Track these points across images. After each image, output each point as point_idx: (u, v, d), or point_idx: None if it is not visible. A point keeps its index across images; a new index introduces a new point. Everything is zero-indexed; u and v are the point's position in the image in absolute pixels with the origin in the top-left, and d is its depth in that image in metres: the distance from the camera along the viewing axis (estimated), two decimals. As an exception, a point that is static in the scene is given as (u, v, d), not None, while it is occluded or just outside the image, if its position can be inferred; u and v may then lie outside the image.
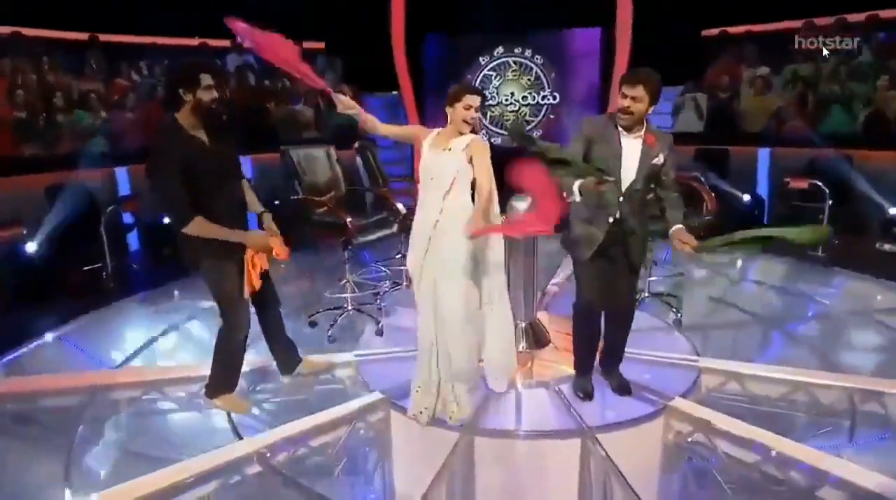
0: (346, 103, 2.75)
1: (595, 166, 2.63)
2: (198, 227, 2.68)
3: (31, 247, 5.10)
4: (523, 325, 3.54)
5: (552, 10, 8.23)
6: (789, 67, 7.12)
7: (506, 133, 8.86)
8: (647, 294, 4.37)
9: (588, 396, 3.03)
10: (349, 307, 4.16)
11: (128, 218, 6.16)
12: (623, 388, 3.07)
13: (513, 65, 8.79)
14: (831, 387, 3.18)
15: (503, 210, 3.20)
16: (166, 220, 5.69)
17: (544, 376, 3.27)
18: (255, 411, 3.21)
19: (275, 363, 3.37)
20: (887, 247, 5.69)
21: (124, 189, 6.52)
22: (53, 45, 7.03)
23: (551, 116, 8.76)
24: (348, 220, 3.88)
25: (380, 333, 3.87)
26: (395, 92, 8.19)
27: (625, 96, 2.63)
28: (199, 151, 2.70)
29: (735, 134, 7.15)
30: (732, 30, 7.88)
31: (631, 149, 2.70)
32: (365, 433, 3.06)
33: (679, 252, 2.72)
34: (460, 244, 2.67)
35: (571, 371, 3.17)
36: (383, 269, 5.25)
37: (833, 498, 2.53)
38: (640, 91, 2.59)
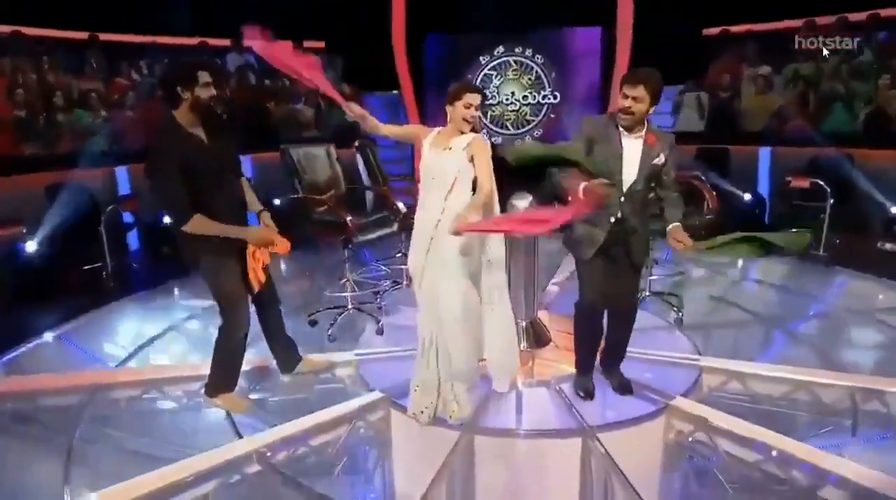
0: (356, 112, 2.75)
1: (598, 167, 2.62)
2: (197, 224, 2.67)
3: (31, 246, 5.10)
4: (524, 324, 3.54)
5: (553, 10, 8.22)
6: (790, 66, 7.11)
7: (507, 132, 8.86)
8: (648, 293, 4.37)
9: (589, 395, 3.02)
10: (349, 306, 4.15)
11: (128, 217, 6.16)
12: (624, 387, 3.06)
13: (513, 64, 8.78)
14: (833, 386, 3.18)
15: (503, 209, 3.20)
16: (166, 219, 5.68)
17: (545, 375, 3.27)
18: (255, 410, 3.19)
19: (275, 362, 3.36)
20: (888, 246, 5.67)
21: (124, 188, 6.51)
22: (53, 44, 7.03)
23: (552, 116, 8.75)
24: (348, 218, 3.88)
25: (380, 332, 3.87)
26: (395, 91, 8.18)
27: (625, 96, 2.62)
28: (198, 149, 2.70)
29: (736, 133, 7.14)
30: (734, 29, 7.87)
31: (632, 149, 2.69)
32: (365, 432, 3.05)
33: (677, 251, 2.72)
34: (462, 244, 2.66)
35: (572, 370, 3.16)
36: (383, 268, 5.25)
37: (835, 497, 2.52)
38: (640, 91, 2.59)
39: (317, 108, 7.89)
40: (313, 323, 4.19)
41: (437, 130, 2.78)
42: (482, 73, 8.85)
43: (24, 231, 5.14)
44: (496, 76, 8.85)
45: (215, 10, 7.97)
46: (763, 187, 6.91)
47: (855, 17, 6.94)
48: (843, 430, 3.05)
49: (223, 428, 3.10)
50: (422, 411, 2.85)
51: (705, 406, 2.97)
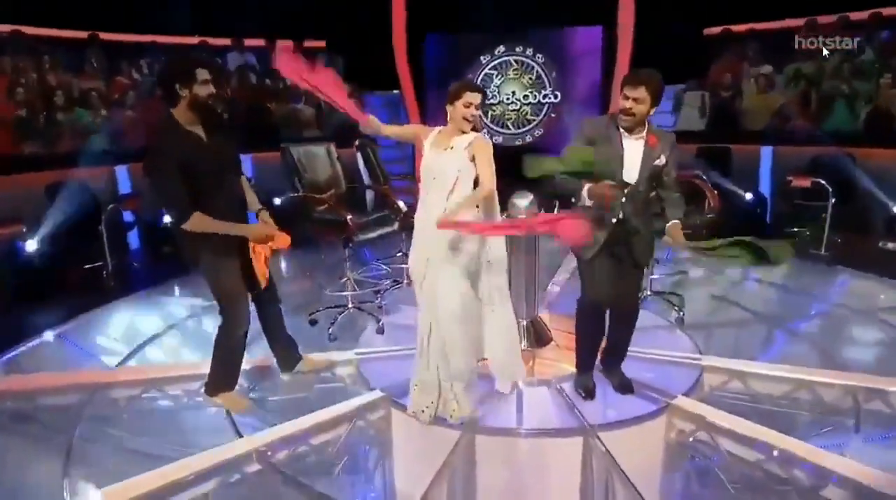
0: (373, 127, 2.75)
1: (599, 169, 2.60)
2: (197, 222, 2.67)
3: (31, 245, 5.10)
4: (525, 323, 3.53)
5: (553, 9, 8.22)
6: (792, 66, 7.10)
7: (507, 132, 8.86)
8: (649, 292, 4.36)
9: (589, 394, 3.01)
10: (350, 305, 4.14)
11: (128, 216, 6.16)
12: (625, 386, 3.05)
13: (514, 63, 8.78)
14: (835, 385, 3.16)
15: (504, 208, 3.19)
16: (167, 218, 5.68)
17: (546, 375, 3.26)
18: (255, 409, 3.19)
19: (275, 361, 3.36)
20: (890, 245, 5.66)
21: (125, 187, 6.51)
22: (54, 43, 7.04)
23: (552, 115, 8.76)
24: (349, 217, 3.87)
25: (380, 331, 3.86)
26: (395, 91, 8.17)
27: (626, 97, 2.61)
28: (197, 147, 2.69)
29: (737, 132, 7.13)
30: (735, 28, 7.86)
31: (633, 150, 2.68)
32: (365, 431, 3.04)
33: (676, 249, 2.71)
34: (462, 245, 2.65)
35: (573, 370, 3.15)
36: (384, 267, 5.24)
37: (837, 497, 2.51)
38: (641, 92, 2.58)
39: (317, 107, 7.89)
40: (313, 322, 4.18)
41: (437, 129, 2.77)
42: (483, 73, 8.85)
43: (25, 230, 5.13)
44: (497, 76, 8.85)
45: (216, 10, 7.98)
46: (764, 187, 6.89)
47: (856, 16, 6.93)
48: (845, 429, 3.03)
49: (223, 427, 3.09)
50: (423, 411, 2.84)
51: (707, 406, 2.96)
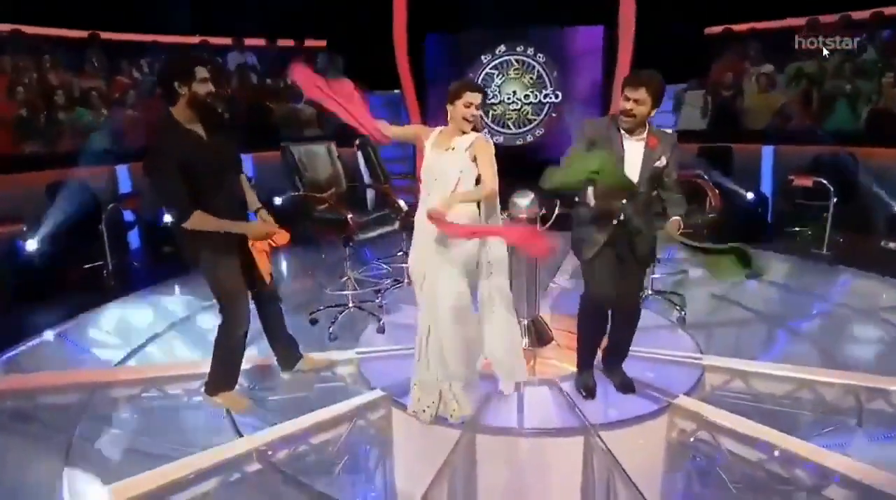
0: (386, 134, 2.72)
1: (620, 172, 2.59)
2: (197, 221, 2.66)
3: (31, 244, 5.09)
4: (526, 322, 3.53)
5: (554, 8, 8.20)
6: (793, 65, 7.08)
7: (508, 132, 8.85)
8: (650, 292, 4.35)
9: (590, 392, 3.00)
10: (350, 305, 4.13)
11: (129, 216, 6.16)
12: (626, 386, 3.04)
13: (515, 63, 8.77)
14: (836, 385, 3.16)
15: (504, 207, 3.19)
16: (167, 218, 5.68)
17: (547, 374, 3.26)
18: (255, 408, 3.18)
19: (275, 360, 3.35)
20: (892, 245, 5.64)
21: (125, 187, 6.50)
22: (54, 42, 7.04)
23: (553, 115, 8.74)
24: (349, 216, 3.86)
25: (381, 330, 3.86)
26: (396, 90, 8.17)
27: (627, 99, 2.60)
28: (196, 146, 2.69)
29: (739, 131, 7.11)
30: (736, 27, 7.85)
31: (633, 151, 2.67)
32: (366, 430, 3.04)
33: (674, 246, 2.70)
34: (463, 245, 2.65)
35: (574, 369, 3.14)
36: (384, 266, 5.23)
37: (839, 497, 2.51)
38: (642, 94, 2.57)
39: (318, 106, 7.88)
40: (314, 321, 4.18)
41: (438, 129, 2.76)
42: (484, 72, 8.84)
43: (25, 229, 5.13)
44: (498, 75, 8.84)
45: (216, 9, 7.97)
46: (766, 186, 6.88)
47: (858, 15, 6.92)
48: (847, 429, 3.03)
49: (223, 427, 3.08)
50: (423, 410, 2.83)
51: (708, 405, 2.95)
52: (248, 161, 6.69)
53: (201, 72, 2.63)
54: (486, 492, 2.80)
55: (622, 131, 2.68)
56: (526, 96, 8.79)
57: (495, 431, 2.80)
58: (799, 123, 6.81)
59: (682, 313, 4.11)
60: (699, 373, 3.25)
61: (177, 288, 5.13)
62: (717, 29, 7.96)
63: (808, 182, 5.92)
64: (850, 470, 2.50)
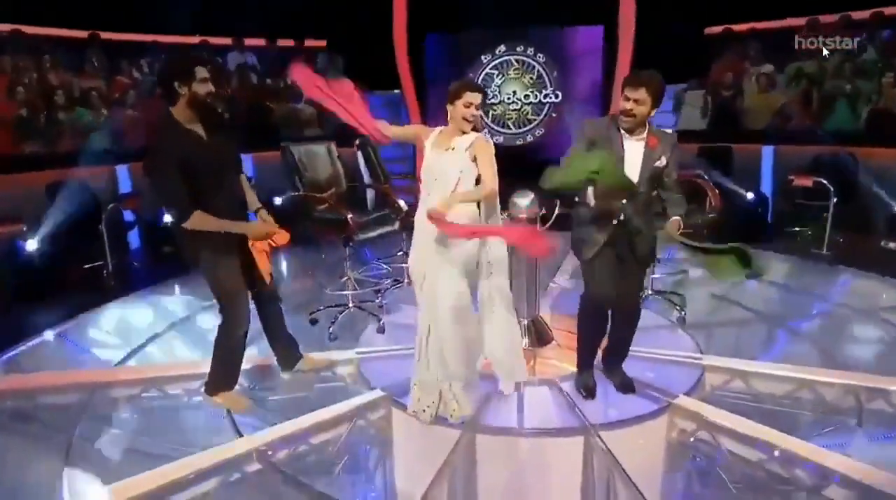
0: (387, 134, 2.72)
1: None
2: (197, 221, 2.66)
3: (31, 244, 5.09)
4: (526, 322, 3.53)
5: (554, 8, 8.20)
6: (794, 65, 7.08)
7: (508, 132, 8.85)
8: (650, 292, 4.35)
9: (590, 392, 3.00)
10: (350, 305, 4.13)
11: (129, 216, 6.15)
12: (626, 386, 3.04)
13: (515, 63, 8.77)
14: (836, 385, 3.16)
15: (504, 207, 3.19)
16: (167, 218, 5.68)
17: (547, 374, 3.26)
18: (255, 408, 3.18)
19: (275, 360, 3.35)
20: (892, 245, 5.64)
21: (125, 187, 6.50)
22: (54, 42, 7.04)
23: (553, 115, 8.74)
24: (349, 216, 3.86)
25: (381, 330, 3.86)
26: (396, 90, 8.16)
27: (627, 99, 2.60)
28: (196, 146, 2.69)
29: (739, 131, 7.11)
30: (736, 27, 7.84)
31: (633, 152, 2.67)
32: (366, 430, 3.04)
33: (673, 245, 2.69)
34: (463, 245, 2.64)
35: (574, 369, 3.14)
36: (384, 266, 5.23)
37: (839, 496, 2.51)
38: (642, 94, 2.57)
39: (319, 106, 7.88)
40: (314, 321, 4.18)
41: (438, 129, 2.76)
42: (484, 72, 8.84)
43: (25, 229, 5.13)
44: (498, 75, 8.84)
45: (216, 9, 7.97)
46: (766, 186, 6.87)
47: (858, 15, 6.91)
48: (847, 429, 3.02)
49: (223, 427, 3.08)
50: (423, 410, 2.83)
51: (708, 405, 2.95)
52: (248, 161, 6.69)
53: (201, 72, 2.63)
54: (487, 492, 2.80)
55: (622, 131, 2.68)
56: (526, 96, 8.79)
57: (495, 431, 2.80)
58: (799, 123, 6.81)
59: (682, 313, 4.11)
60: (699, 373, 3.25)
61: (177, 288, 5.13)
62: (717, 29, 7.96)
63: (808, 182, 5.92)
64: (850, 470, 2.50)
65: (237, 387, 3.16)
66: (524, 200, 3.37)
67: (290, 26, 8.46)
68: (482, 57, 8.82)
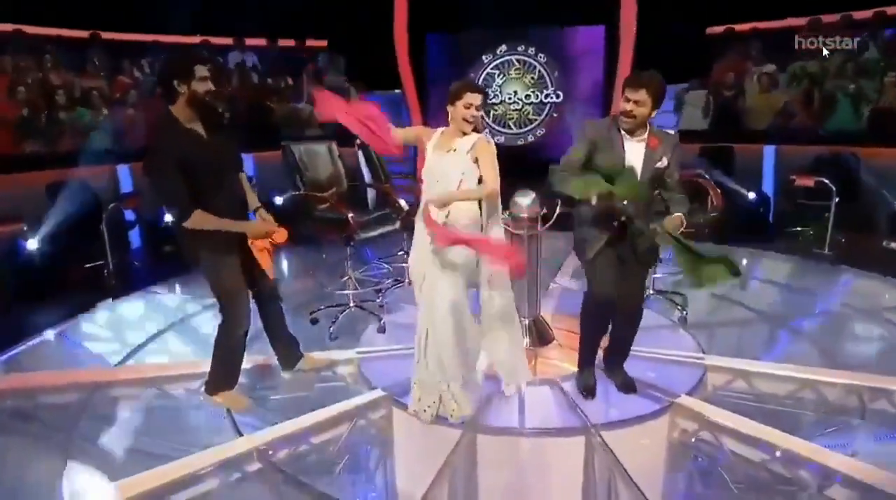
0: (401, 146, 2.73)
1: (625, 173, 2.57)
2: (198, 220, 2.66)
3: (32, 244, 5.10)
4: (527, 322, 3.52)
5: (555, 8, 8.19)
6: (795, 64, 7.07)
7: (509, 132, 8.85)
8: (652, 292, 4.34)
9: (590, 391, 3.00)
10: (351, 304, 4.13)
11: (129, 215, 6.17)
12: (628, 386, 3.03)
13: (516, 63, 8.76)
14: (839, 385, 3.15)
15: (506, 207, 3.18)
16: (168, 217, 5.68)
17: (548, 374, 3.25)
18: (256, 408, 3.17)
19: (276, 360, 3.35)
20: (894, 245, 5.63)
21: (126, 186, 6.51)
22: (55, 42, 7.03)
23: (554, 115, 8.73)
24: (350, 216, 3.86)
25: (382, 330, 3.85)
26: (397, 90, 8.16)
27: (627, 100, 2.59)
28: (196, 145, 2.68)
29: (740, 131, 7.11)
30: (738, 27, 7.83)
31: (634, 153, 2.67)
32: (366, 430, 3.03)
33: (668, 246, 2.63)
34: (463, 247, 2.63)
35: (575, 369, 3.13)
36: (385, 266, 5.23)
37: (841, 497, 2.50)
38: (643, 95, 2.56)
39: (319, 105, 7.87)
40: (315, 321, 4.17)
41: (439, 130, 2.75)
42: (485, 72, 8.83)
43: (26, 229, 5.13)
44: (499, 75, 8.83)
45: (217, 9, 7.97)
46: (768, 186, 6.87)
47: (860, 14, 6.90)
48: (850, 429, 3.01)
49: (223, 426, 3.07)
50: (424, 410, 2.82)
51: (710, 405, 2.94)
52: (248, 160, 6.69)
53: (201, 70, 2.62)
54: (487, 492, 2.79)
55: (623, 132, 2.67)
56: (527, 96, 8.78)
57: (496, 431, 2.79)
58: (801, 123, 6.81)
59: (684, 312, 4.10)
60: (701, 373, 3.25)
61: (177, 288, 5.13)
62: (719, 29, 7.94)
63: (809, 182, 5.91)
64: (852, 470, 2.49)
65: (237, 386, 3.16)
66: (525, 200, 3.37)
67: (290, 26, 8.46)
68: (483, 57, 8.81)
